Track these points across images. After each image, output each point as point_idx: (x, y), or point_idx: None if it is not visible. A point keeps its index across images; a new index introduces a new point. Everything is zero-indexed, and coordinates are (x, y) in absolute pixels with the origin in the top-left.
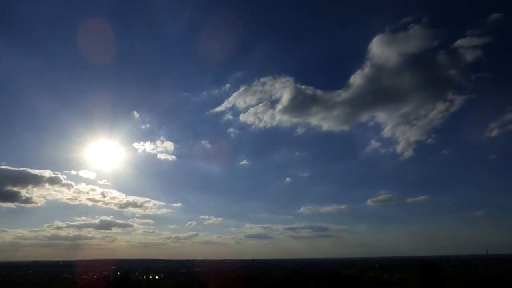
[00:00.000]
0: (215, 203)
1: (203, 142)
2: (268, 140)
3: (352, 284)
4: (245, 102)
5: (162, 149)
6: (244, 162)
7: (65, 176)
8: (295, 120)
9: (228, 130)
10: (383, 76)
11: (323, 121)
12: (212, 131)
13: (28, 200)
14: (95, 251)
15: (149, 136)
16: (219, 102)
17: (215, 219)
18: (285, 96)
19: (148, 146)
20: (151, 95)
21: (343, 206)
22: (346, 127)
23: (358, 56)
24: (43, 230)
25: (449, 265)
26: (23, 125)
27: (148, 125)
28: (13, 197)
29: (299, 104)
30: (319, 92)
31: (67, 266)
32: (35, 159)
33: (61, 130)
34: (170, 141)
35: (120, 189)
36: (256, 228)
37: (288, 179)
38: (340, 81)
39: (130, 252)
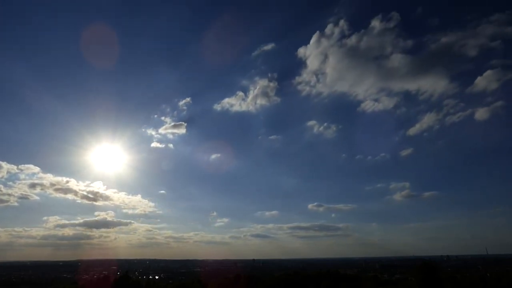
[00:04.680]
0: (219, 201)
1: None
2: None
3: (352, 284)
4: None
5: (175, 121)
6: (274, 136)
7: (64, 174)
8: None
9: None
10: None
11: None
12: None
13: (24, 197)
14: (95, 251)
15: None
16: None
17: (219, 218)
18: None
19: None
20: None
21: (351, 204)
22: (422, 79)
23: None
24: (42, 229)
25: (449, 265)
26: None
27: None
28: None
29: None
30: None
31: (67, 266)
32: (35, 157)
33: (62, 131)
34: (188, 97)
35: (120, 187)
36: (260, 228)
37: (300, 172)
38: None
39: (130, 252)
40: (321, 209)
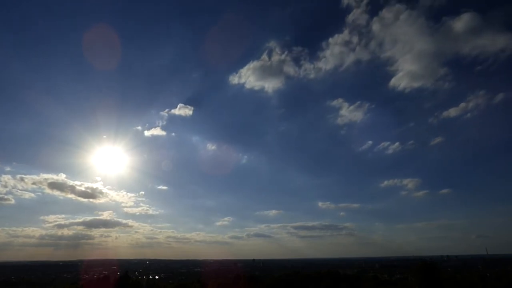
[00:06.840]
0: (223, 199)
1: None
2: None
3: (352, 284)
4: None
5: (182, 103)
6: (292, 120)
7: (61, 171)
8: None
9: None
10: None
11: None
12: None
13: (21, 196)
14: (95, 251)
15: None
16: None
17: (222, 217)
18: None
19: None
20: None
21: (361, 203)
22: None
23: None
24: (41, 229)
25: (449, 265)
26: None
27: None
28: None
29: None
30: None
31: (67, 266)
32: (36, 157)
33: (58, 128)
34: (201, 67)
35: (120, 185)
36: (264, 227)
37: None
38: None
39: (130, 252)
40: (331, 207)
